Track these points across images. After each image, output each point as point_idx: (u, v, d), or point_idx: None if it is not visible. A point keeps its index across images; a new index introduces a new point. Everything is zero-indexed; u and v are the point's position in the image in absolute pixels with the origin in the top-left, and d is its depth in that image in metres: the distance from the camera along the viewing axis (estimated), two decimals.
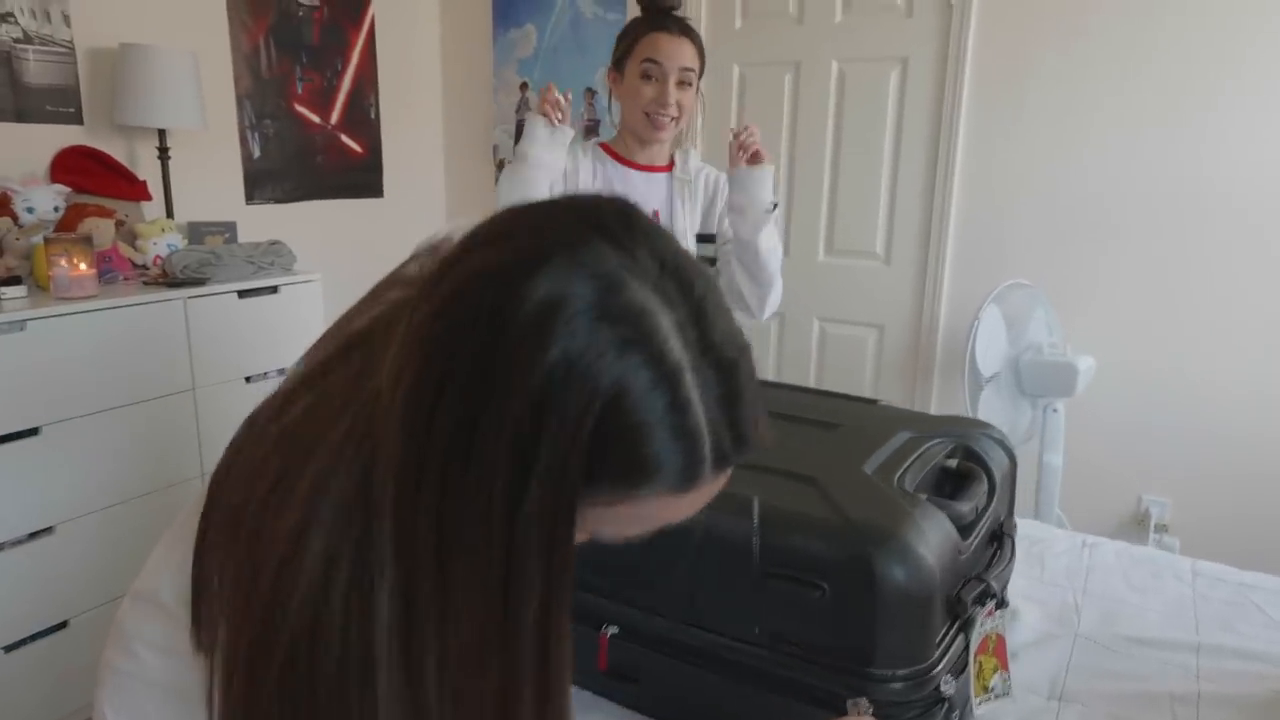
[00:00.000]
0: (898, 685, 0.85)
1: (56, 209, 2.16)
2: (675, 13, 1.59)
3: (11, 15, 2.13)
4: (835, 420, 1.14)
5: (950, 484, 1.06)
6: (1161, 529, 2.37)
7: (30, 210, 2.12)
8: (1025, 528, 1.53)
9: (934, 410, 2.65)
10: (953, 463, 1.07)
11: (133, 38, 2.34)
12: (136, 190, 2.40)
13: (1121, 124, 2.28)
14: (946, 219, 2.52)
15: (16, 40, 2.15)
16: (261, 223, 2.79)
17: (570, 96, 1.54)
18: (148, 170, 2.43)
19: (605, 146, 1.67)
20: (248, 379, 2.32)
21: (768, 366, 2.95)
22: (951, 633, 0.91)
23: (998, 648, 0.97)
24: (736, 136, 1.55)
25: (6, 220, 2.07)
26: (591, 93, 3.06)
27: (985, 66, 2.42)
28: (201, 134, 2.56)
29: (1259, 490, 2.25)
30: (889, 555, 0.84)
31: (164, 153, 2.39)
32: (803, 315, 2.85)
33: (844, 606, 0.85)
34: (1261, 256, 2.18)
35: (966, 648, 0.92)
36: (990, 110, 2.44)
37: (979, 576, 0.94)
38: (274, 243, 2.48)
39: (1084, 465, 2.40)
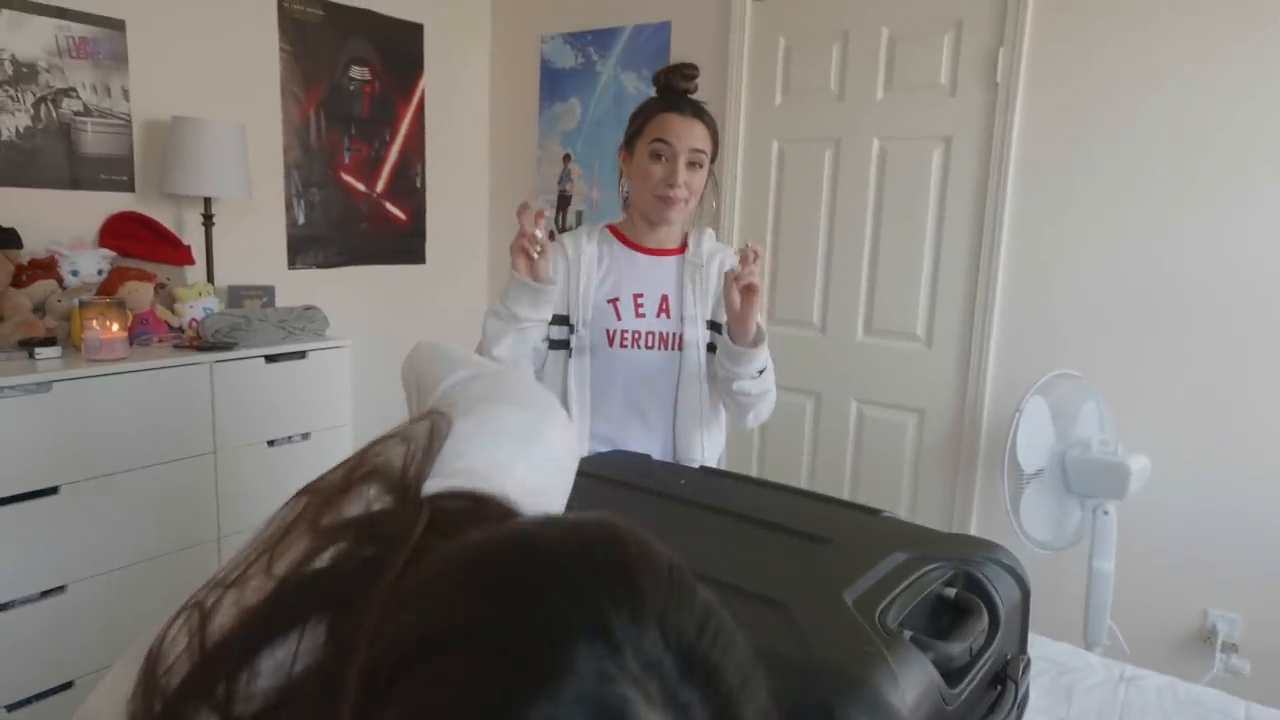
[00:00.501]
0: None
1: (100, 272, 2.24)
2: (691, 95, 1.56)
3: (74, 90, 2.24)
4: (826, 534, 1.05)
5: (948, 616, 0.95)
6: (1230, 649, 2.15)
7: (75, 273, 2.19)
8: (1055, 652, 1.39)
9: (976, 504, 2.50)
10: (951, 592, 0.96)
11: (189, 111, 2.44)
12: (180, 255, 2.47)
13: (1175, 209, 2.15)
14: (991, 302, 2.41)
15: (77, 113, 2.26)
16: (302, 287, 2.85)
17: (545, 226, 1.41)
18: (194, 235, 2.51)
19: (614, 229, 1.64)
20: (270, 443, 2.33)
21: (801, 446, 2.83)
22: None
23: None
24: (737, 278, 1.40)
25: (51, 282, 2.15)
26: None
27: (1032, 146, 2.33)
28: (248, 201, 2.64)
29: None
30: (854, 705, 0.74)
31: (208, 219, 2.46)
32: (839, 396, 2.74)
33: None
34: None
35: None
36: (1037, 191, 2.34)
37: None
38: (308, 308, 2.51)
39: (1141, 574, 2.21)
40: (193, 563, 2.17)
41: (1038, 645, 1.37)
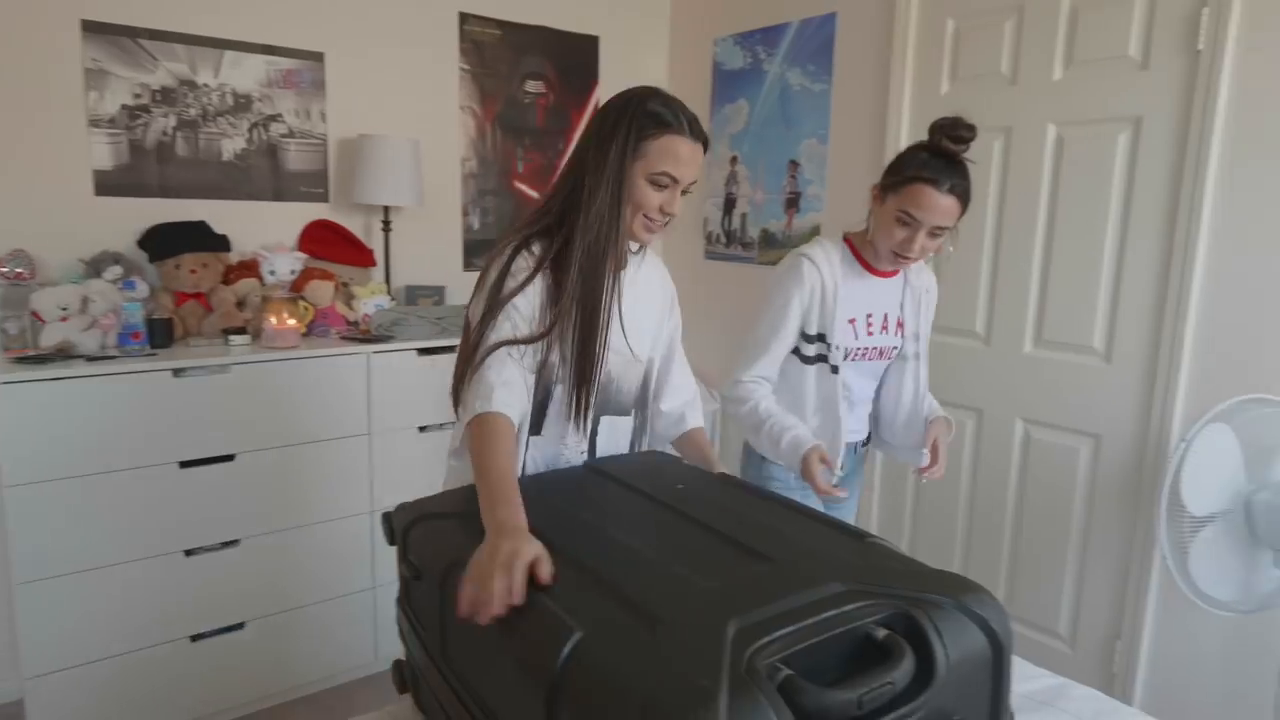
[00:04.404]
0: None
1: (293, 272, 2.59)
2: (959, 157, 1.52)
3: (280, 116, 2.62)
4: (774, 553, 0.95)
5: (873, 661, 0.82)
6: None
7: (272, 273, 2.56)
8: None
9: (1160, 548, 2.10)
10: (881, 633, 0.83)
11: (376, 129, 2.75)
12: (364, 258, 2.79)
13: None
14: (1184, 312, 2.02)
15: (282, 135, 2.64)
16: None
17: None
18: (379, 241, 2.82)
19: (853, 247, 1.69)
20: (421, 429, 2.55)
21: (960, 466, 2.56)
22: None
23: None
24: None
25: (253, 281, 2.53)
26: (794, 164, 2.97)
27: (1240, 127, 1.91)
28: (426, 208, 2.91)
29: None
30: None
31: (386, 226, 2.76)
32: (1003, 413, 2.44)
33: None
34: None
35: None
36: (1245, 182, 1.92)
37: None
38: (466, 306, 2.72)
39: None
40: (347, 531, 2.45)
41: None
